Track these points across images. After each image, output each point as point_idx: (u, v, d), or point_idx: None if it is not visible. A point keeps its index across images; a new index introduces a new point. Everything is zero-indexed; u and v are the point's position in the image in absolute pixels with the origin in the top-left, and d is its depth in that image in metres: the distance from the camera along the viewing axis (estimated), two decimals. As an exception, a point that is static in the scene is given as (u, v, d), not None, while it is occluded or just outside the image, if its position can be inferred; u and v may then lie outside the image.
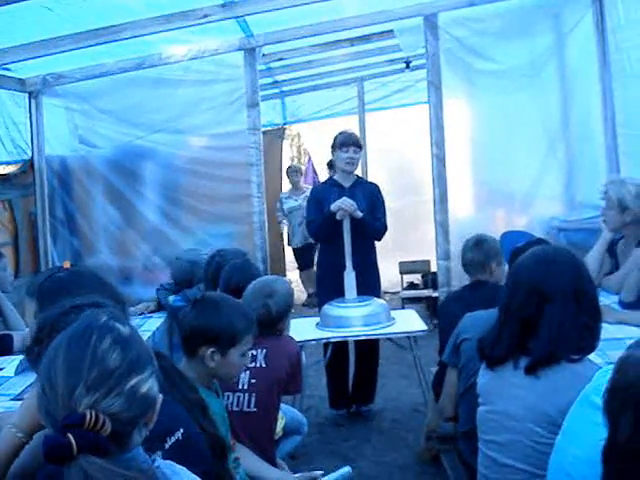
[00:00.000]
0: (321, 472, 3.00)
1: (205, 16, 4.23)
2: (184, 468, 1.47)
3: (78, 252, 6.06)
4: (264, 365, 3.01)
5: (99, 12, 4.18)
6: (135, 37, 4.31)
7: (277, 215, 9.54)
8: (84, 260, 6.06)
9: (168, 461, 1.45)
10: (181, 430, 1.84)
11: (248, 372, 2.96)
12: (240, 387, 2.95)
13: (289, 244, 9.98)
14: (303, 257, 9.66)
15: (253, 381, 2.96)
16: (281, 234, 10.35)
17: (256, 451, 2.87)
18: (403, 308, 7.38)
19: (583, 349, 2.26)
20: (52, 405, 1.26)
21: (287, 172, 9.88)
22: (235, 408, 2.92)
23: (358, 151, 5.02)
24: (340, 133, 5.09)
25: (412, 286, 8.97)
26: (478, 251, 3.71)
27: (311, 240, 7.48)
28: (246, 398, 2.94)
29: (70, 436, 1.20)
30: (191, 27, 4.45)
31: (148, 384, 1.35)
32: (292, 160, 19.55)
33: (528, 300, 2.29)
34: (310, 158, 11.62)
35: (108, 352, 1.32)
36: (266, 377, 2.98)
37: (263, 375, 2.98)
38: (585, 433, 1.81)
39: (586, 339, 2.27)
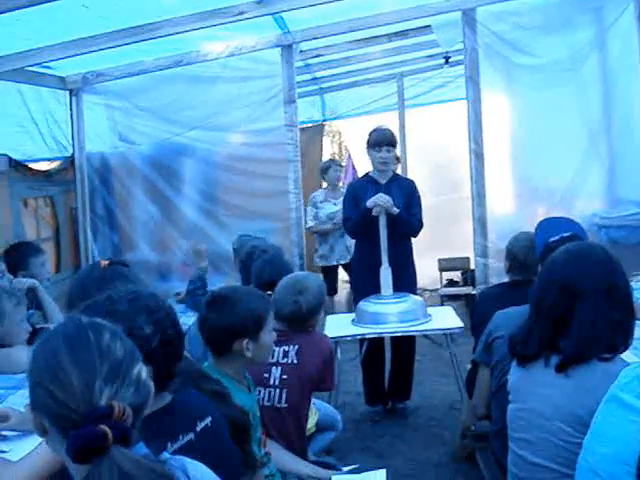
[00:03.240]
0: (354, 466, 2.99)
1: (241, 13, 4.24)
2: (195, 461, 1.48)
3: (118, 247, 6.15)
4: (296, 362, 3.02)
5: (135, 10, 4.22)
6: (171, 35, 4.33)
7: (308, 224, 7.10)
8: (123, 255, 6.15)
9: (177, 456, 1.47)
10: (210, 418, 1.87)
11: (280, 368, 2.98)
12: (272, 382, 2.97)
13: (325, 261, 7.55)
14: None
15: (285, 377, 2.98)
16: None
17: (287, 446, 2.89)
18: (442, 305, 7.33)
19: (615, 347, 2.22)
20: (68, 406, 1.25)
21: (323, 168, 7.79)
22: (267, 403, 2.94)
23: (391, 150, 5.00)
24: (374, 130, 5.07)
25: (451, 283, 8.92)
26: (534, 252, 3.59)
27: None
28: (277, 393, 2.96)
29: (104, 427, 1.21)
30: (227, 24, 4.47)
31: (144, 371, 1.38)
32: (333, 158, 19.57)
33: (560, 298, 2.26)
34: (350, 155, 11.59)
35: (111, 345, 1.34)
36: (297, 374, 2.99)
37: (294, 371, 2.99)
38: (613, 431, 1.78)
39: (618, 337, 2.23)
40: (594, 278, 2.24)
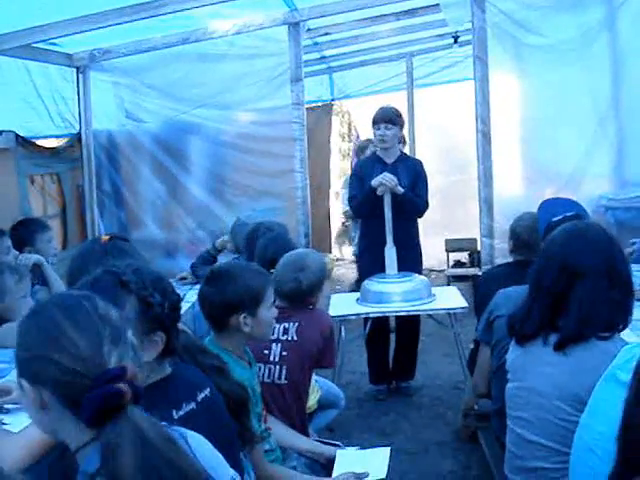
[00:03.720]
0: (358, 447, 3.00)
1: (247, -11, 4.24)
2: (193, 432, 1.50)
3: (124, 225, 6.17)
4: (296, 338, 3.02)
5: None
6: (177, 12, 4.32)
7: (345, 208, 7.02)
8: (130, 232, 6.17)
9: (175, 426, 1.48)
10: (208, 389, 1.90)
11: (280, 345, 2.99)
12: (272, 359, 2.98)
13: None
14: None
15: (284, 354, 2.98)
16: (328, 210, 10.35)
17: (287, 423, 2.90)
18: (448, 286, 7.33)
19: (614, 326, 2.23)
20: (79, 372, 1.25)
21: (361, 147, 7.30)
22: (267, 379, 2.95)
23: (390, 127, 4.94)
24: (379, 108, 5.05)
25: (458, 264, 8.90)
26: (538, 232, 3.58)
27: None
28: (277, 370, 2.97)
29: (122, 384, 1.23)
30: (234, 1, 4.45)
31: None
32: (342, 138, 19.52)
33: (559, 276, 2.26)
34: (359, 136, 11.54)
35: (106, 311, 1.35)
36: (297, 350, 3.00)
37: (294, 348, 3.00)
38: (609, 409, 1.79)
39: (617, 316, 2.24)
40: (593, 257, 2.24)
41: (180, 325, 1.97)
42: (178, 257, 6.10)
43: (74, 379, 1.25)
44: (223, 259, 4.74)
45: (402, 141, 6.47)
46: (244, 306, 2.52)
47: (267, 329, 2.66)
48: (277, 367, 2.98)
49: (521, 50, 5.33)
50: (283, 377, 2.97)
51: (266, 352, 2.98)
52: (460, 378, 4.99)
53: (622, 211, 5.39)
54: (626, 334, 2.36)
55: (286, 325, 3.03)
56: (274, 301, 2.69)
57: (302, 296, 3.15)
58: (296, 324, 3.06)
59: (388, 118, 4.93)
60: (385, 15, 6.20)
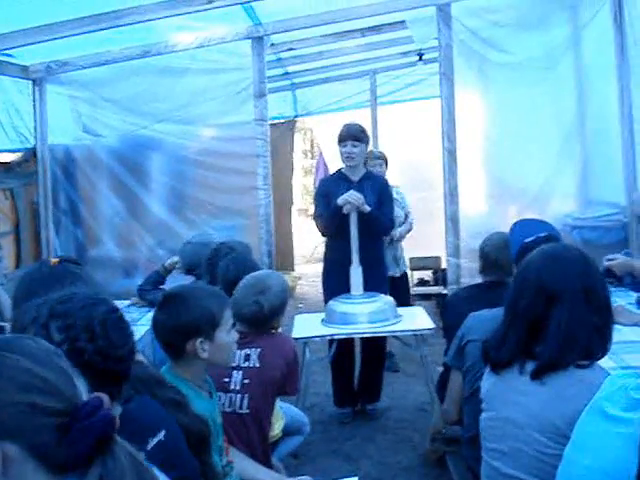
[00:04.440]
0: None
1: (210, 1, 4.11)
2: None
3: (81, 243, 5.99)
4: (258, 365, 2.88)
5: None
6: (138, 23, 4.20)
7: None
8: (87, 251, 5.99)
9: None
10: (163, 431, 1.74)
11: (241, 372, 2.85)
12: (233, 387, 2.83)
13: None
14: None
15: (246, 381, 2.84)
16: (291, 228, 10.24)
17: (249, 454, 2.76)
18: (412, 305, 7.25)
19: (593, 354, 2.13)
20: (57, 410, 1.13)
21: (366, 161, 5.88)
22: (228, 409, 2.80)
23: (357, 144, 4.87)
24: (343, 126, 4.98)
25: (422, 283, 8.84)
26: (508, 252, 3.49)
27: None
28: (239, 399, 2.82)
29: (107, 410, 1.14)
30: (196, 13, 4.33)
31: None
32: (305, 155, 19.47)
33: (535, 300, 2.16)
34: (321, 153, 11.48)
35: (55, 349, 1.24)
36: (260, 378, 2.86)
37: (257, 375, 2.86)
38: (597, 443, 1.69)
39: (596, 342, 2.14)
40: (571, 280, 2.15)
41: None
42: (137, 276, 5.91)
43: (54, 420, 1.12)
44: (172, 281, 4.57)
45: (386, 163, 6.28)
46: (200, 330, 2.37)
47: (227, 354, 2.51)
48: (238, 396, 2.83)
49: (487, 67, 5.29)
50: (245, 406, 2.82)
51: (226, 380, 2.84)
52: (426, 399, 4.90)
53: (588, 230, 5.37)
54: (606, 359, 2.26)
55: (247, 351, 2.89)
56: (234, 324, 2.55)
57: (264, 320, 3.01)
58: (258, 350, 2.91)
59: (355, 135, 4.86)
60: (351, 31, 6.14)
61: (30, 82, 5.48)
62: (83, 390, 1.18)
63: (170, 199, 5.87)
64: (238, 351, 2.76)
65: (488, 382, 2.32)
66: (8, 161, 5.34)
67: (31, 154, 5.59)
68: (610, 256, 3.77)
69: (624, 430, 1.65)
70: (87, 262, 6.03)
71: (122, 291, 5.19)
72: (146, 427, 1.71)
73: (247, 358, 2.88)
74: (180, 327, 2.38)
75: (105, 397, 1.17)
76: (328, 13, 5.16)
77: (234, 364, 2.77)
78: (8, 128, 5.30)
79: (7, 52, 4.74)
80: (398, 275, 6.02)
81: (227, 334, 2.46)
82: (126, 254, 6.02)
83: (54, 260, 2.16)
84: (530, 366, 2.14)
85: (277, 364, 2.89)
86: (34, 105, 5.54)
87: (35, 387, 1.13)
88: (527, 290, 2.20)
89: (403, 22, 5.64)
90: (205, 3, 4.11)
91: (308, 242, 12.05)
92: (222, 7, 4.20)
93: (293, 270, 10.39)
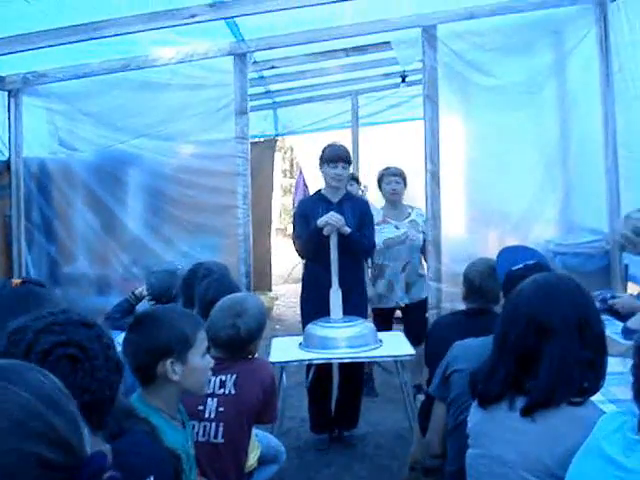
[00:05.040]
0: None
1: (192, 16, 4.01)
2: None
3: (54, 259, 5.81)
4: (233, 392, 2.75)
5: (81, 7, 3.97)
6: (118, 35, 4.08)
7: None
8: (60, 267, 5.82)
9: None
10: (152, 477, 1.60)
11: (216, 399, 2.72)
12: (207, 415, 2.71)
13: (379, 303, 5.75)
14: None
15: (221, 409, 2.71)
16: (269, 247, 10.13)
17: (223, 485, 2.64)
18: (391, 328, 7.15)
19: (586, 390, 2.04)
20: (62, 466, 1.00)
21: (382, 178, 5.99)
22: (201, 438, 2.67)
23: (347, 167, 4.86)
24: (329, 145, 4.93)
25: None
26: (492, 279, 3.41)
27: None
28: (213, 428, 2.69)
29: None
30: (178, 27, 4.23)
31: None
32: (284, 174, 19.40)
33: (526, 333, 2.08)
34: (301, 172, 11.41)
35: (61, 386, 1.11)
36: (235, 405, 2.73)
37: (232, 403, 2.73)
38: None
39: (589, 378, 2.05)
40: (564, 313, 2.06)
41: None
42: (111, 294, 5.75)
43: (52, 474, 0.99)
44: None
45: (361, 188, 6.26)
46: (171, 350, 2.26)
47: (201, 380, 2.38)
48: (213, 424, 2.70)
49: (471, 91, 5.24)
50: (220, 435, 2.69)
51: (200, 408, 2.71)
52: (405, 425, 4.79)
53: (570, 256, 5.31)
54: (595, 396, 2.17)
55: (223, 377, 2.76)
56: (208, 348, 2.43)
57: (240, 344, 2.89)
58: (234, 376, 2.79)
59: (345, 157, 4.83)
60: (334, 51, 6.07)
61: (5, 93, 5.34)
62: (87, 439, 1.06)
63: (147, 216, 5.72)
64: (213, 377, 2.64)
65: (475, 417, 2.22)
66: (-20, 173, 5.19)
67: (4, 167, 5.43)
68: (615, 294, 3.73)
69: (623, 476, 1.56)
70: (60, 279, 5.88)
71: (95, 309, 5.04)
72: (134, 472, 1.56)
73: (222, 385, 2.76)
74: (151, 347, 2.27)
75: (108, 450, 1.08)
76: (312, 31, 5.09)
77: (209, 391, 2.65)
78: (-19, 140, 5.17)
79: (-18, 61, 4.61)
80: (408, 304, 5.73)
81: (201, 358, 2.34)
82: (100, 271, 5.86)
83: (16, 281, 2.03)
84: (520, 402, 2.05)
85: (254, 391, 2.77)
86: (9, 117, 5.39)
87: (43, 436, 1.00)
88: (518, 322, 2.11)
89: (388, 43, 5.58)
90: (187, 17, 4.01)
91: (286, 262, 11.94)
92: (205, 22, 4.10)
93: (270, 290, 10.26)
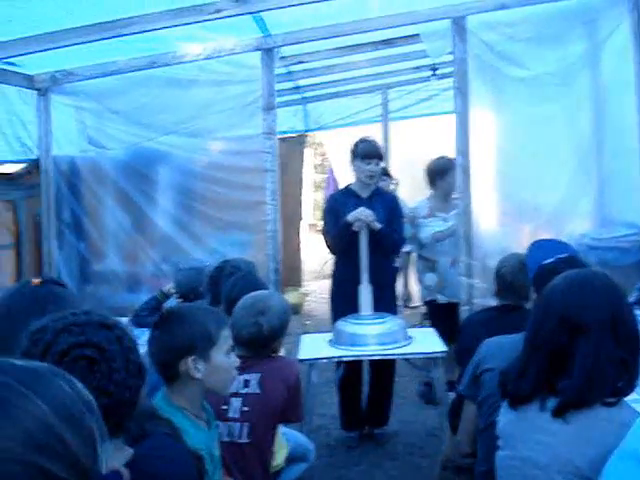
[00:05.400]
0: None
1: (218, 11, 3.98)
2: None
3: (84, 257, 5.85)
4: (258, 391, 2.71)
5: (104, 5, 3.96)
6: (144, 32, 4.07)
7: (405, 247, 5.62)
8: (91, 265, 5.85)
9: None
10: None
11: (240, 399, 2.68)
12: (231, 415, 2.67)
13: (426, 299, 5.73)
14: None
15: (246, 409, 2.67)
16: (299, 243, 10.10)
17: (249, 486, 2.60)
18: (422, 325, 7.08)
19: (620, 390, 1.97)
20: (68, 473, 0.97)
21: (440, 171, 5.58)
22: (226, 438, 2.63)
23: (380, 163, 4.83)
24: (361, 141, 4.87)
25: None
26: (524, 275, 3.30)
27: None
28: (238, 428, 2.65)
29: None
30: (203, 22, 4.20)
31: None
32: (315, 169, 19.35)
33: (558, 331, 2.00)
34: (332, 168, 11.35)
35: (88, 396, 1.08)
36: (260, 405, 2.69)
37: (257, 402, 2.69)
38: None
39: (623, 378, 1.97)
40: (598, 311, 1.99)
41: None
42: (141, 291, 5.77)
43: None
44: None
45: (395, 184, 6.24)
46: (194, 348, 2.22)
47: (224, 378, 2.34)
48: (237, 424, 2.66)
49: (502, 82, 5.14)
50: (245, 435, 2.65)
51: (225, 407, 2.67)
52: (436, 424, 4.73)
53: (605, 251, 5.19)
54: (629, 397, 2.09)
55: (247, 377, 2.72)
56: (233, 347, 2.40)
57: (263, 342, 2.84)
58: (258, 375, 2.75)
59: (378, 154, 4.81)
60: (363, 44, 6.00)
61: (35, 92, 5.36)
62: (104, 457, 1.02)
63: (176, 213, 5.73)
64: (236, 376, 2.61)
65: (505, 417, 2.15)
66: (11, 172, 5.21)
67: (34, 165, 5.46)
68: None
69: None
70: (90, 276, 5.91)
71: (125, 306, 5.04)
72: (156, 477, 1.52)
73: (246, 384, 2.72)
74: (173, 344, 2.24)
75: (125, 472, 1.01)
76: (340, 25, 5.03)
77: (232, 390, 2.61)
78: (11, 139, 5.18)
79: (10, 61, 4.62)
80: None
81: (225, 356, 2.31)
82: (130, 269, 5.89)
83: (36, 281, 2.01)
84: (552, 402, 1.98)
85: (278, 390, 2.73)
86: (39, 115, 5.41)
87: (51, 450, 0.96)
88: (550, 319, 2.04)
89: (417, 35, 5.50)
90: (213, 12, 3.98)
91: (318, 258, 11.90)
92: (230, 17, 4.06)
93: (301, 286, 10.24)
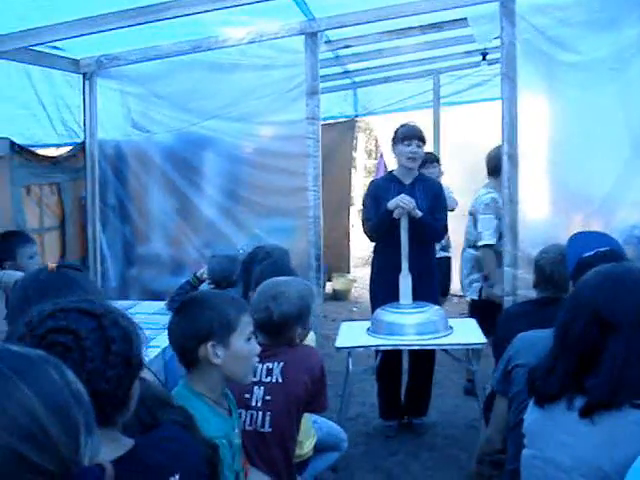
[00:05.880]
0: None
1: (257, -7, 3.94)
2: None
3: (128, 240, 5.90)
4: (280, 380, 2.67)
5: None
6: (183, 16, 4.04)
7: (487, 240, 5.36)
8: (135, 248, 5.90)
9: None
10: (177, 476, 1.53)
11: (263, 387, 2.65)
12: (254, 404, 2.64)
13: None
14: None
15: (268, 398, 2.64)
16: (348, 229, 10.04)
17: (272, 475, 2.57)
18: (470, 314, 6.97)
19: (652, 392, 1.87)
20: (49, 471, 0.97)
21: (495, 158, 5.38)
22: (248, 427, 2.61)
23: (422, 145, 4.72)
24: (401, 126, 4.80)
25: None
26: (564, 267, 3.18)
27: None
28: (260, 416, 2.62)
29: None
30: (245, 6, 4.16)
31: None
32: (369, 154, 19.23)
33: (589, 328, 1.91)
34: (382, 154, 11.24)
35: (77, 385, 1.09)
36: (283, 394, 2.65)
37: (279, 392, 2.65)
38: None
39: (656, 379, 1.88)
40: (630, 307, 1.89)
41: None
42: (184, 275, 5.78)
43: (34, 478, 0.96)
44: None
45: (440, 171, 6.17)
46: (212, 333, 2.21)
47: (244, 365, 2.31)
48: (260, 413, 2.63)
49: (552, 68, 4.98)
50: (267, 424, 2.62)
51: (247, 396, 2.64)
52: (477, 415, 4.64)
53: (657, 243, 5.02)
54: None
55: (269, 365, 2.69)
56: (255, 335, 2.36)
57: (274, 328, 2.78)
58: (281, 364, 2.70)
59: (420, 136, 4.70)
60: (410, 28, 5.88)
61: (80, 76, 5.40)
62: (89, 449, 1.02)
63: (218, 198, 5.73)
64: (259, 365, 2.57)
65: (532, 415, 2.07)
66: (56, 155, 5.27)
67: (79, 149, 5.51)
68: None
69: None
70: (134, 259, 5.97)
71: (169, 289, 5.06)
72: (156, 470, 1.48)
73: (269, 373, 2.68)
74: (193, 330, 2.23)
75: (109, 466, 1.05)
76: (384, 9, 4.92)
77: (255, 379, 2.58)
78: (57, 122, 5.23)
79: (54, 45, 4.65)
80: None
81: (245, 342, 2.28)
82: (174, 253, 5.92)
83: (52, 266, 2.01)
84: (579, 402, 1.90)
85: (301, 380, 2.68)
86: (84, 99, 5.46)
87: (32, 437, 0.96)
88: (580, 316, 1.95)
89: (464, 19, 5.37)
90: (252, -5, 3.94)
91: (367, 244, 11.82)
92: (269, 0, 4.01)
93: (349, 272, 10.18)
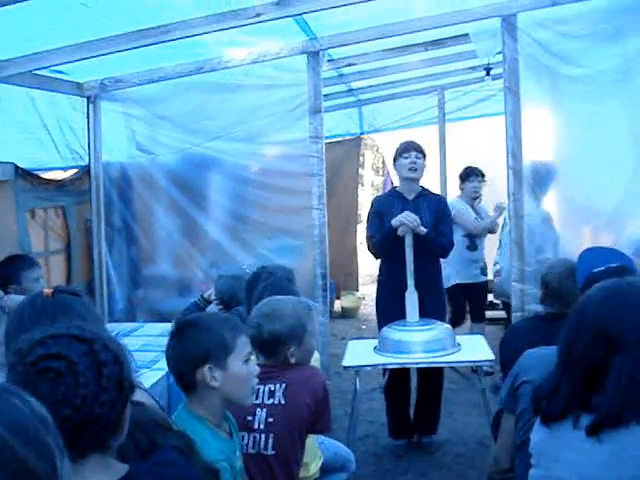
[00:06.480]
0: None
1: (257, 15, 3.93)
2: None
3: (134, 262, 5.90)
4: (283, 402, 2.63)
5: (145, 11, 3.97)
6: (185, 38, 4.05)
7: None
8: (141, 270, 5.89)
9: None
10: None
11: (265, 410, 2.61)
12: (256, 426, 2.60)
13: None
14: None
15: (270, 420, 2.60)
16: (355, 246, 10.01)
17: (276, 499, 2.53)
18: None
19: (659, 409, 1.83)
20: None
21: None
22: (251, 450, 2.57)
23: (421, 157, 4.70)
24: (400, 143, 4.81)
25: (491, 305, 8.46)
26: (572, 282, 3.17)
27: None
28: (263, 439, 2.58)
29: None
30: (248, 27, 4.16)
31: None
32: (376, 171, 19.26)
33: (593, 345, 1.88)
34: (388, 172, 11.24)
35: (41, 411, 1.06)
36: (285, 416, 2.61)
37: (282, 413, 2.61)
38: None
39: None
40: (634, 323, 1.86)
41: (138, 396, 1.63)
42: (191, 296, 5.76)
43: None
44: None
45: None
46: (209, 356, 2.18)
47: (243, 387, 2.28)
48: (263, 435, 2.59)
49: (556, 81, 4.97)
50: (270, 447, 2.57)
51: (250, 418, 2.61)
52: (487, 433, 4.58)
53: (667, 256, 4.97)
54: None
55: (272, 387, 2.65)
56: (255, 356, 2.34)
57: (265, 346, 2.74)
58: (283, 385, 2.66)
59: (418, 147, 4.69)
60: (412, 45, 5.89)
61: (84, 99, 5.43)
62: (65, 473, 1.01)
63: (223, 218, 5.73)
64: (261, 386, 2.54)
65: (538, 435, 2.03)
66: (60, 179, 5.28)
67: (84, 172, 5.52)
68: None
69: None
70: (140, 281, 5.96)
71: (176, 309, 5.04)
72: None
73: (271, 394, 2.64)
74: (188, 353, 2.21)
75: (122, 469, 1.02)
76: (385, 26, 4.94)
77: (257, 401, 2.55)
78: (61, 145, 5.24)
79: (57, 69, 4.67)
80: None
81: (243, 364, 2.26)
82: (180, 274, 5.91)
83: (48, 291, 1.99)
84: (586, 420, 1.86)
85: (304, 401, 2.64)
86: (88, 122, 5.48)
87: (8, 468, 0.94)
88: (584, 333, 1.92)
89: (467, 35, 5.37)
90: (252, 17, 3.93)
91: (374, 261, 11.78)
92: (270, 20, 4.01)
93: (357, 290, 10.14)
